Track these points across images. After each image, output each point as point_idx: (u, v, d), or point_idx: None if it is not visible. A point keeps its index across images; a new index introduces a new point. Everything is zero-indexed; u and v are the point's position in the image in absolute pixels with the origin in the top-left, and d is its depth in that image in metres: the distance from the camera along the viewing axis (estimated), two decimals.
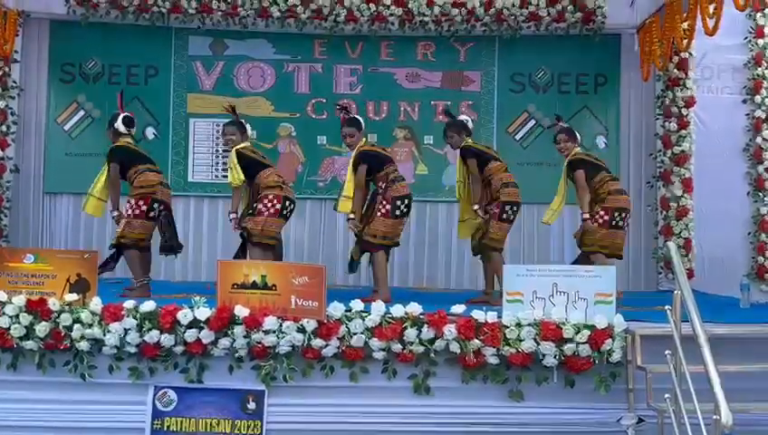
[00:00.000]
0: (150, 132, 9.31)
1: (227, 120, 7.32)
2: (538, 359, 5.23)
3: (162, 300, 5.62)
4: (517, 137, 9.37)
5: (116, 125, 7.14)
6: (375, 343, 5.26)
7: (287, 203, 7.00)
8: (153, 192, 7.03)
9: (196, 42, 9.50)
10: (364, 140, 7.32)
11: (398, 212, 7.03)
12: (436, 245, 9.42)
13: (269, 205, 6.92)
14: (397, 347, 5.26)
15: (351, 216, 7.07)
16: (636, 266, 9.13)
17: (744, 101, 9.06)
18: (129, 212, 6.96)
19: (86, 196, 7.27)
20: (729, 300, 7.48)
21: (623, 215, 7.24)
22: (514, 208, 7.24)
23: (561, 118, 7.75)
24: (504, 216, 7.19)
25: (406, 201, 7.09)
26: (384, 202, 7.01)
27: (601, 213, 7.17)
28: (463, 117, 7.75)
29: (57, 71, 9.40)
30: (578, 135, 7.52)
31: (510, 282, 5.43)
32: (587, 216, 7.17)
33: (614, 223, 7.17)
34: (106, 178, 7.10)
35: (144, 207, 6.96)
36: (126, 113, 7.28)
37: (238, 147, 7.07)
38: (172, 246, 7.31)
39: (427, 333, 5.26)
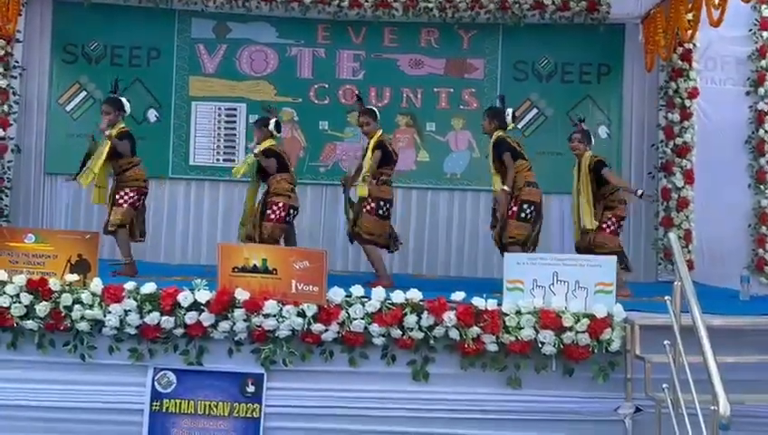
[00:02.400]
0: (152, 115, 9.31)
1: (263, 118, 7.68)
2: (537, 347, 5.24)
3: (162, 282, 5.63)
4: (519, 125, 9.34)
5: (126, 108, 7.49)
6: (375, 328, 5.26)
7: (291, 211, 7.47)
8: (146, 186, 7.47)
9: (199, 24, 9.48)
10: (381, 131, 7.47)
11: (380, 212, 7.34)
12: (436, 232, 9.42)
13: (277, 211, 7.34)
14: (396, 333, 5.27)
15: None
16: (636, 257, 9.11)
17: (748, 93, 9.05)
18: (127, 199, 7.27)
19: (88, 172, 7.29)
20: (728, 292, 7.49)
21: (622, 222, 7.51)
22: (532, 209, 7.21)
23: (584, 120, 7.76)
24: (523, 214, 7.17)
25: (388, 205, 7.41)
26: (370, 200, 7.27)
27: (613, 220, 7.32)
28: (509, 109, 7.55)
29: (60, 51, 9.39)
30: (592, 141, 7.54)
31: (510, 270, 5.43)
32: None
33: (620, 229, 7.42)
34: (105, 161, 7.26)
35: (135, 198, 7.33)
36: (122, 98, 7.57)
37: (267, 144, 7.47)
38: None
39: (427, 319, 5.26)
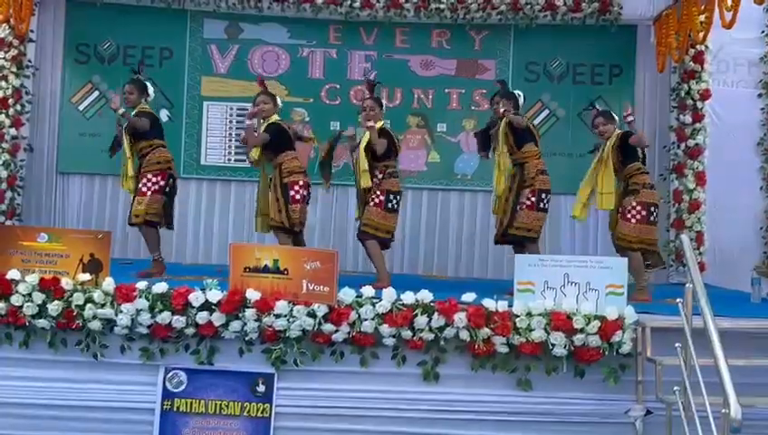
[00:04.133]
0: (164, 114, 9.31)
1: (260, 91, 7.28)
2: (548, 349, 5.23)
3: (174, 282, 5.65)
4: None
5: (150, 92, 7.32)
6: (385, 329, 5.26)
7: (309, 189, 7.13)
8: (169, 168, 7.17)
9: (211, 25, 9.51)
10: (382, 122, 7.20)
11: (389, 205, 7.02)
12: (446, 233, 9.43)
13: (300, 190, 6.98)
14: (407, 334, 5.27)
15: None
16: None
17: (760, 96, 9.04)
18: (150, 187, 7.00)
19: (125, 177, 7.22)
20: (740, 294, 7.47)
21: (655, 210, 6.92)
22: (549, 197, 7.06)
23: (594, 103, 7.56)
24: (541, 204, 7.00)
25: (398, 197, 7.11)
26: (378, 193, 6.99)
27: (638, 208, 6.79)
28: (517, 91, 7.46)
29: (72, 51, 9.43)
30: (615, 117, 7.12)
31: (521, 271, 5.43)
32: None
33: (651, 218, 6.85)
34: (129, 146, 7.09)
35: (162, 183, 7.05)
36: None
37: (273, 119, 7.09)
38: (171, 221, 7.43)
39: (438, 320, 5.26)
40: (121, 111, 7.01)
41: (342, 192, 9.20)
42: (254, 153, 7.11)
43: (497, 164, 7.26)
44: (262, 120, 7.12)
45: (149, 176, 7.01)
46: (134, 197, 7.09)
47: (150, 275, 6.69)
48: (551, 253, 7.50)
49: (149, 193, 6.98)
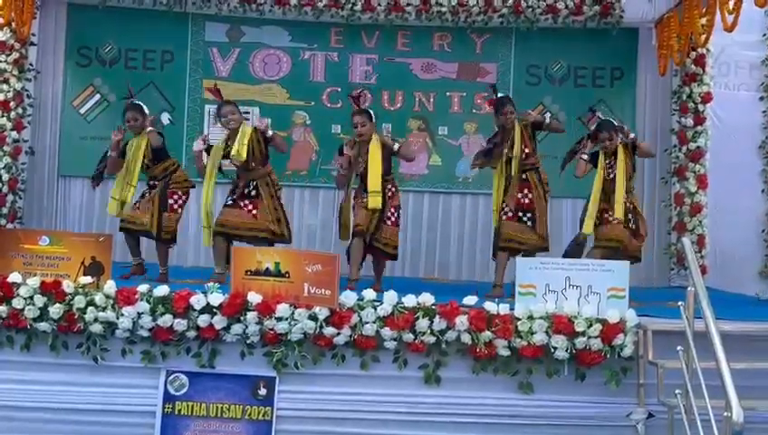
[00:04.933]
0: (165, 118, 9.30)
1: (224, 101, 7.17)
2: (549, 352, 5.22)
3: (175, 285, 5.64)
4: None
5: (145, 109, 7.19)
6: (386, 332, 5.25)
7: None
8: (193, 185, 7.28)
9: (212, 28, 9.52)
10: (376, 135, 7.06)
11: (399, 222, 7.13)
12: (448, 235, 9.43)
13: (281, 202, 7.16)
14: (408, 337, 5.26)
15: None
16: (648, 262, 9.08)
17: (761, 99, 9.04)
18: (180, 204, 7.10)
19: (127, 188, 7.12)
20: (741, 297, 7.46)
21: None
22: None
23: (596, 109, 7.33)
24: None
25: (401, 210, 7.19)
26: (393, 211, 6.99)
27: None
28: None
29: (74, 54, 9.45)
30: (616, 126, 6.96)
31: (523, 274, 5.42)
32: None
33: None
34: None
35: (185, 200, 7.20)
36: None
37: (248, 129, 6.98)
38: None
39: (439, 323, 5.25)
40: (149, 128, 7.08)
41: (343, 195, 9.17)
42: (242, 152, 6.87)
43: (501, 174, 7.19)
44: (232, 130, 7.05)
45: (179, 193, 7.10)
46: (162, 211, 6.99)
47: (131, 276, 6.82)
48: (552, 256, 7.48)
49: (180, 211, 7.13)
